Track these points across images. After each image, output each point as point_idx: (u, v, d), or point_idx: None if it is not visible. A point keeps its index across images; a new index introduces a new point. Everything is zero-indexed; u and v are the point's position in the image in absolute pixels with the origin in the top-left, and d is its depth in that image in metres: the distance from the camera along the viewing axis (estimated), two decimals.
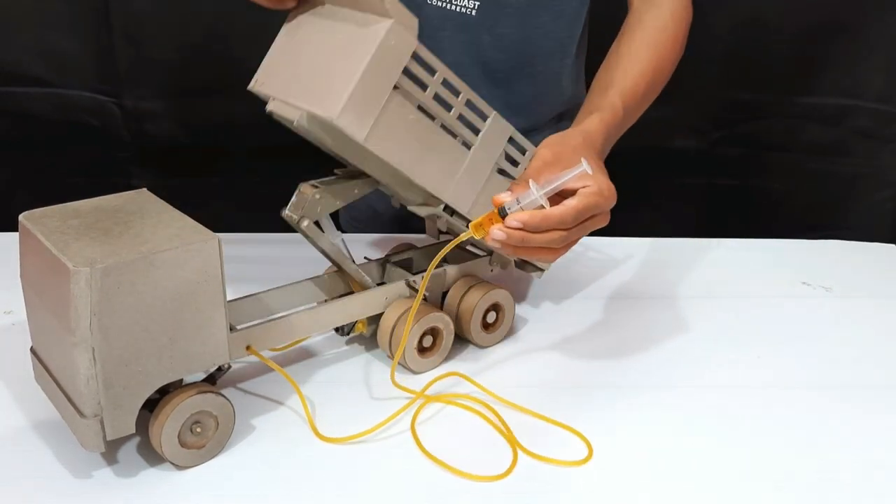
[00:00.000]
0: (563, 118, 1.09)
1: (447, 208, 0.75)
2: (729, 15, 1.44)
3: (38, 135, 1.47)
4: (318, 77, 0.67)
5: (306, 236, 0.74)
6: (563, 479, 0.63)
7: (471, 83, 1.03)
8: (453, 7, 0.97)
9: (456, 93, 0.71)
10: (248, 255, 0.99)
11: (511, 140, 0.77)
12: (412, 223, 0.96)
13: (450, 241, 0.83)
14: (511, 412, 0.71)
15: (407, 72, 0.66)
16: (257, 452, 0.65)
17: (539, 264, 0.86)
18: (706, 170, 1.56)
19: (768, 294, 0.97)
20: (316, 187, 0.73)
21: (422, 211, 0.77)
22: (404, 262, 0.87)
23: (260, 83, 0.73)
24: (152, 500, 0.60)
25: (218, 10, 1.40)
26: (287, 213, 0.73)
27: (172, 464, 0.63)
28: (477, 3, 0.97)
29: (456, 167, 0.73)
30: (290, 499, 0.60)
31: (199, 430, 0.63)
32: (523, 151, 0.78)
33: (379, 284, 0.79)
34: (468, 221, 0.76)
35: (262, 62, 0.74)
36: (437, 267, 0.85)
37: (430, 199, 0.75)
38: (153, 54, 1.42)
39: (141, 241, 0.58)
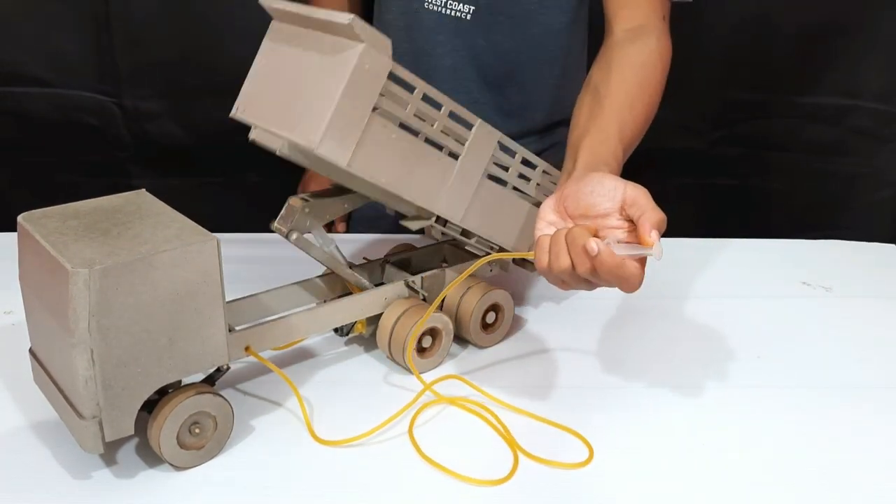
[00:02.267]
0: (560, 125, 1.09)
1: (439, 219, 0.75)
2: (729, 15, 1.44)
3: (38, 135, 1.47)
4: (296, 104, 0.66)
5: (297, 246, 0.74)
6: (564, 481, 0.63)
7: (466, 87, 1.03)
8: (448, 11, 0.98)
9: (437, 106, 0.70)
10: (247, 256, 0.99)
11: (503, 146, 0.77)
12: None
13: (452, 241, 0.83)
14: (510, 414, 0.71)
15: (385, 92, 0.65)
16: (256, 453, 0.65)
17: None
18: (706, 170, 1.56)
19: (768, 294, 0.96)
20: (306, 201, 0.73)
21: (413, 225, 0.77)
22: (403, 263, 0.87)
23: (241, 110, 0.72)
24: (151, 500, 0.60)
25: (218, 10, 1.40)
26: (276, 225, 0.73)
27: (171, 465, 0.63)
28: (472, 9, 0.97)
29: (445, 178, 0.73)
30: (289, 499, 0.60)
31: (197, 430, 0.63)
32: (513, 155, 0.78)
33: (378, 285, 0.79)
34: (462, 230, 0.76)
35: (242, 88, 0.74)
36: (436, 267, 0.86)
37: (422, 211, 0.75)
38: (153, 54, 1.42)
39: (140, 242, 0.58)
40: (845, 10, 1.42)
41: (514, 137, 1.11)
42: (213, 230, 0.61)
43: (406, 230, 0.79)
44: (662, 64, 0.85)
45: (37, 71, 1.42)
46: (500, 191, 0.78)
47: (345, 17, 0.61)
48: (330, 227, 1.23)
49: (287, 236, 0.73)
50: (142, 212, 0.64)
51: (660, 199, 0.65)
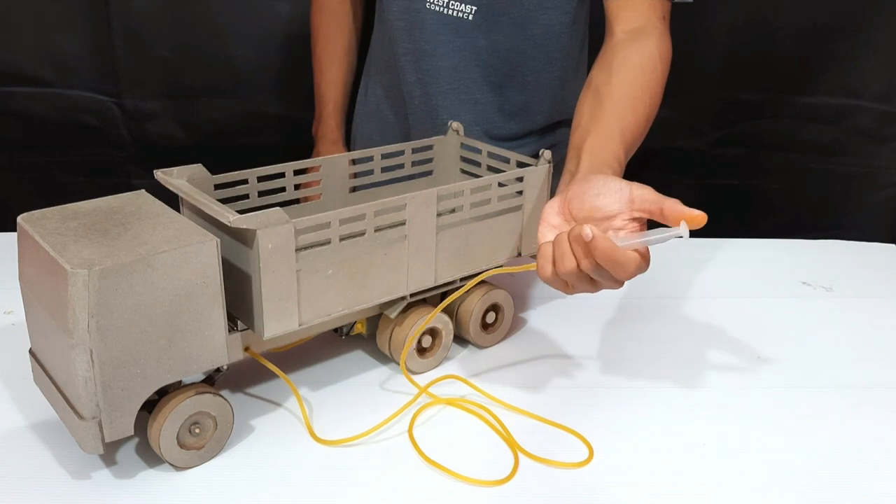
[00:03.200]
0: (561, 125, 1.10)
1: (414, 294, 0.75)
2: (729, 15, 1.44)
3: (38, 135, 1.47)
4: (241, 294, 0.66)
5: None
6: (564, 481, 0.63)
7: (468, 87, 1.04)
8: (450, 12, 0.98)
9: (362, 217, 0.68)
10: None
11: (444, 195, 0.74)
12: None
13: None
14: (510, 414, 0.71)
15: (300, 250, 0.65)
16: (256, 454, 0.65)
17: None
18: (706, 170, 1.56)
19: (768, 294, 0.96)
20: None
21: (392, 312, 0.75)
22: None
23: None
24: (151, 501, 0.60)
25: (217, 10, 1.39)
26: None
27: (171, 465, 0.63)
28: (474, 9, 0.97)
29: (401, 262, 0.72)
30: (289, 499, 0.60)
31: (197, 431, 0.63)
32: (460, 194, 0.74)
33: None
34: (442, 293, 0.76)
35: None
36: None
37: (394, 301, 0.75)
38: (153, 54, 1.42)
39: (139, 243, 0.58)
40: (845, 10, 1.42)
41: (516, 137, 1.11)
42: None
43: None
44: (663, 65, 0.85)
45: (37, 71, 1.42)
46: (461, 230, 0.76)
47: (226, 218, 0.61)
48: None
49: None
50: (141, 212, 0.64)
51: None
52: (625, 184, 0.65)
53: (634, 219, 0.65)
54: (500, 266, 0.80)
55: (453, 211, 0.76)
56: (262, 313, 0.64)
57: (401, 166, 0.88)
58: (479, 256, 0.78)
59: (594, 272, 0.62)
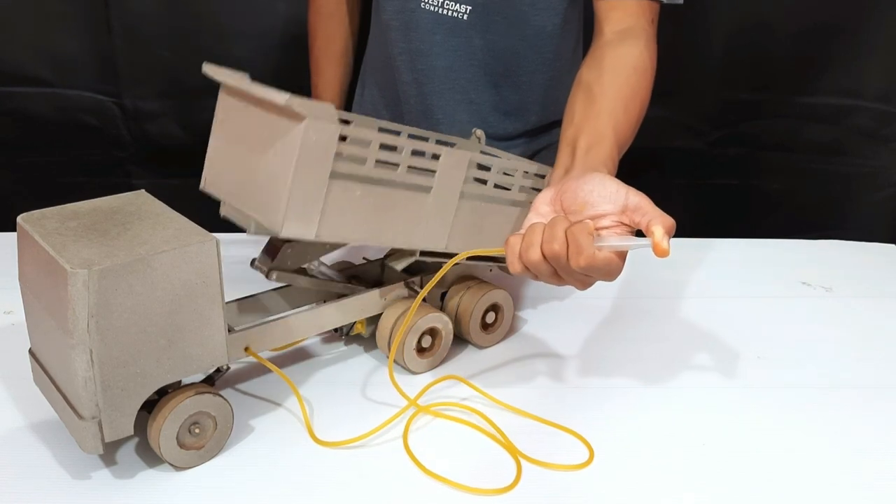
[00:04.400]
0: (555, 125, 1.10)
1: (423, 252, 0.75)
2: (729, 15, 1.44)
3: (38, 135, 1.47)
4: (254, 183, 0.66)
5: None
6: (564, 482, 0.63)
7: (462, 87, 1.04)
8: (445, 11, 0.98)
9: (399, 149, 0.69)
10: (247, 256, 0.99)
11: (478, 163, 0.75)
12: None
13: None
14: (510, 415, 0.71)
15: (339, 156, 0.64)
16: (256, 454, 0.65)
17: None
18: (706, 170, 1.56)
19: (768, 294, 0.96)
20: (287, 241, 0.73)
21: (399, 265, 0.76)
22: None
23: (209, 184, 0.72)
24: (151, 501, 0.60)
25: (217, 10, 1.40)
26: (257, 264, 0.73)
27: (171, 465, 0.63)
28: (468, 8, 0.97)
29: (420, 215, 0.72)
30: (289, 500, 0.60)
31: (197, 431, 0.63)
32: (489, 168, 0.76)
33: (377, 285, 0.79)
34: (449, 256, 0.75)
35: (206, 159, 0.73)
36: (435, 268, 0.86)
37: (403, 250, 0.74)
38: (153, 54, 1.42)
39: (139, 243, 0.58)
40: (845, 11, 1.42)
41: (510, 137, 1.11)
42: (212, 230, 0.61)
43: None
44: (652, 68, 0.85)
45: (37, 71, 1.42)
46: (481, 206, 0.77)
47: (281, 97, 0.60)
48: None
49: (268, 276, 0.73)
50: (141, 212, 0.64)
51: (660, 198, 0.65)
52: (622, 188, 0.65)
53: (624, 223, 0.65)
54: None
55: (478, 182, 0.76)
56: (286, 209, 0.62)
57: (421, 153, 0.88)
58: (490, 241, 0.78)
59: (564, 271, 0.63)
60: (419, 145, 0.71)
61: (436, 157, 0.71)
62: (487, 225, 0.77)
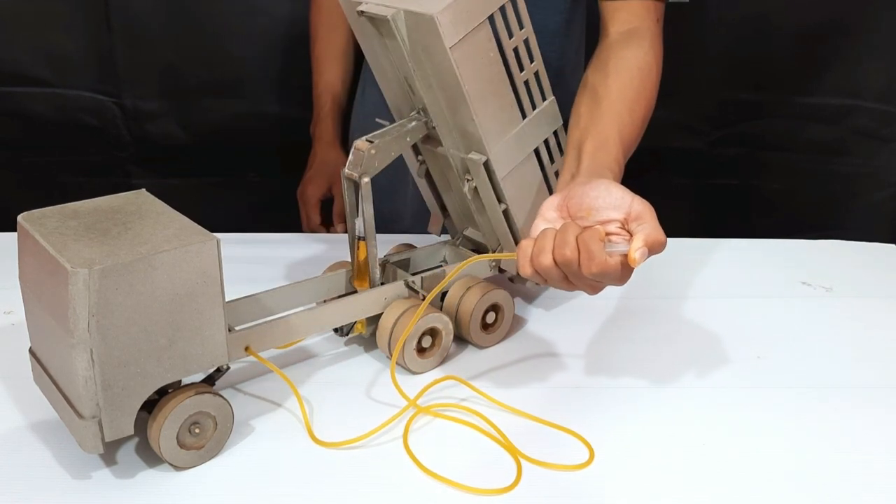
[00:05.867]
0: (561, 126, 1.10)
1: (486, 165, 0.76)
2: (729, 15, 1.44)
3: (39, 135, 1.47)
4: None
5: (354, 203, 0.76)
6: (564, 483, 0.63)
7: None
8: None
9: (531, 59, 0.75)
10: (246, 256, 0.99)
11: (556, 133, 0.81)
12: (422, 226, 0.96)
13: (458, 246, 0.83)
14: (510, 415, 0.71)
15: (502, 11, 0.70)
16: (256, 454, 0.65)
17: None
18: (706, 170, 1.56)
19: (768, 294, 0.96)
20: (371, 142, 0.75)
21: (475, 159, 0.76)
22: (403, 263, 0.87)
23: None
24: (151, 501, 0.60)
25: (217, 10, 1.40)
26: (347, 171, 0.75)
27: (171, 465, 0.63)
28: None
29: (508, 128, 0.76)
30: (288, 500, 0.60)
31: (197, 430, 0.63)
32: (560, 148, 0.82)
33: (378, 285, 0.79)
34: (500, 200, 0.79)
35: None
36: (435, 267, 0.86)
37: (474, 148, 0.76)
38: (153, 54, 1.42)
39: (139, 242, 0.58)
40: (845, 10, 1.42)
41: None
42: (213, 230, 0.61)
43: (405, 230, 0.79)
44: (657, 68, 0.85)
45: (37, 71, 1.42)
46: (537, 174, 0.81)
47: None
48: (328, 227, 1.23)
49: (359, 179, 0.75)
50: (142, 212, 0.64)
51: (660, 198, 0.65)
52: (628, 196, 0.65)
53: (627, 230, 0.65)
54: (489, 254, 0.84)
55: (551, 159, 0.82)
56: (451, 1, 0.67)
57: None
58: (522, 212, 0.81)
59: (575, 276, 0.63)
60: (543, 76, 0.78)
61: (544, 97, 0.78)
62: (531, 195, 0.81)
